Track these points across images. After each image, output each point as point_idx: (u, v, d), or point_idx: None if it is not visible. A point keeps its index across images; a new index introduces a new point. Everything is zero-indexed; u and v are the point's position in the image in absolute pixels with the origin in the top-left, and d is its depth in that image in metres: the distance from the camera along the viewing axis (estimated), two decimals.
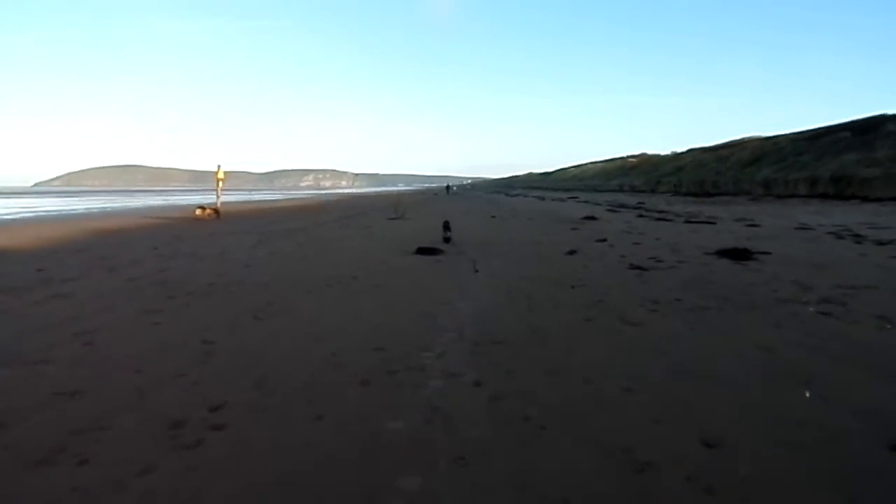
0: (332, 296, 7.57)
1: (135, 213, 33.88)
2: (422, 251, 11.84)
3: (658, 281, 8.24)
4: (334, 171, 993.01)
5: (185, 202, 45.87)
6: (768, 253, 10.62)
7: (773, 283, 7.84)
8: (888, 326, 5.51)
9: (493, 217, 24.75)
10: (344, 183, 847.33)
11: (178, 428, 3.49)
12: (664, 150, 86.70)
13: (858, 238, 12.97)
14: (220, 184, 29.55)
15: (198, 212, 27.69)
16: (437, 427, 3.44)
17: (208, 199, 38.84)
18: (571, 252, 11.51)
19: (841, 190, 32.73)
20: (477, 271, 9.37)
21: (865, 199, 29.02)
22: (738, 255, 10.42)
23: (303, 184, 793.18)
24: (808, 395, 3.80)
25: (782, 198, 35.39)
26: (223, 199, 31.07)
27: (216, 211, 27.85)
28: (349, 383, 4.20)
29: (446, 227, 14.68)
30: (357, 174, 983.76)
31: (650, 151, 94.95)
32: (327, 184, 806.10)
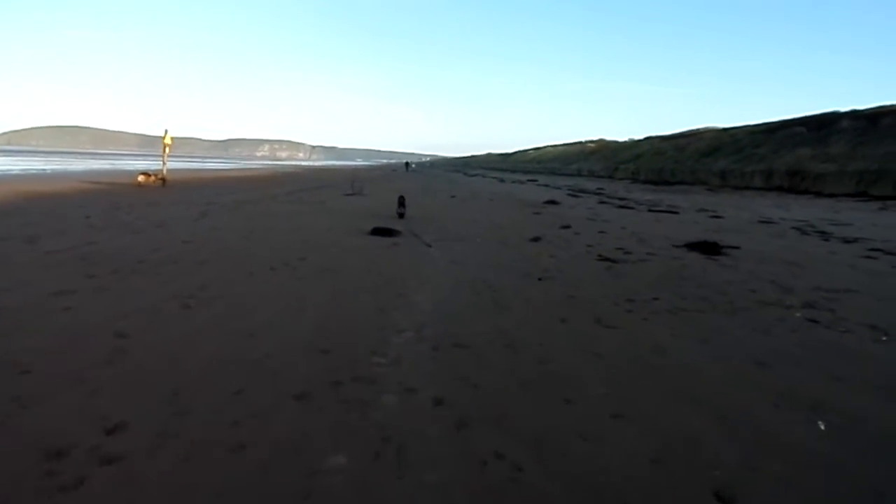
0: (276, 281, 6.77)
1: (73, 178, 31.91)
2: (378, 232, 11.09)
3: (630, 275, 7.71)
4: (291, 142, 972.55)
5: (130, 167, 43.68)
6: (737, 248, 10.24)
7: (751, 281, 7.40)
8: (884, 338, 5.07)
9: (452, 197, 24.06)
10: (301, 155, 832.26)
11: (58, 460, 2.72)
12: (622, 137, 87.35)
13: (824, 235, 12.77)
14: (167, 150, 28.05)
15: (141, 178, 26.19)
16: (388, 465, 2.76)
17: (156, 165, 37.00)
18: (536, 239, 10.94)
19: (795, 184, 33.14)
20: (429, 246, 8.71)
21: (819, 194, 29.40)
22: (708, 248, 10.02)
23: (258, 154, 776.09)
24: (822, 427, 3.26)
25: (739, 189, 35.70)
26: (170, 165, 29.59)
27: (162, 178, 26.41)
28: (283, 398, 3.48)
29: (401, 202, 15.08)
30: (314, 146, 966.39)
31: (608, 137, 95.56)
32: (283, 155, 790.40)
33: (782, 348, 4.76)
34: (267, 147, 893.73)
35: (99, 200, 17.52)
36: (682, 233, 12.49)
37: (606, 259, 8.83)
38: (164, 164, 27.75)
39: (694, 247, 10.23)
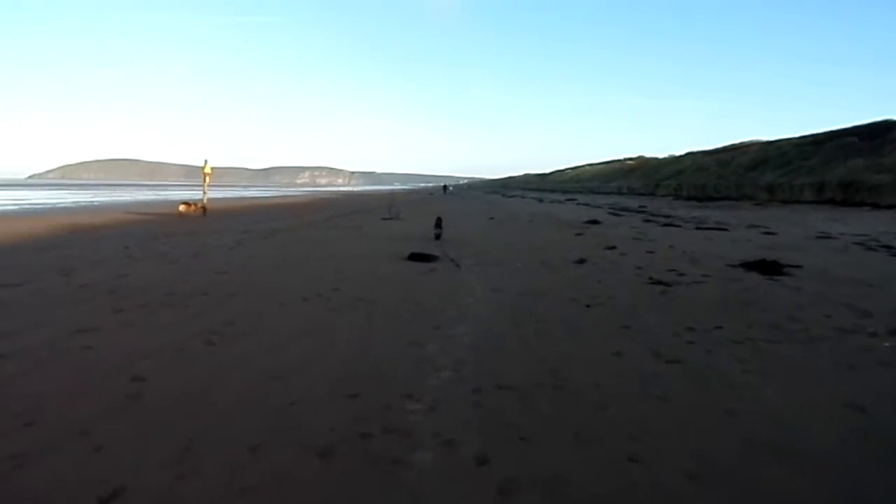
0: (307, 313, 6.41)
1: (119, 209, 32.64)
2: (414, 257, 10.70)
3: (686, 300, 7.12)
4: (331, 168, 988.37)
5: (174, 197, 44.43)
6: (799, 266, 9.51)
7: (822, 304, 6.73)
8: None
9: (491, 219, 23.60)
10: (340, 181, 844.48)
11: None
12: (661, 154, 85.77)
13: (892, 250, 11.88)
14: (207, 179, 28.35)
15: (182, 208, 26.52)
16: None
17: (198, 194, 37.64)
18: (580, 261, 10.39)
19: (849, 196, 31.68)
20: (459, 266, 8.26)
21: (876, 206, 27.98)
22: (767, 268, 9.32)
23: (299, 181, 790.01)
24: None
25: (788, 203, 34.35)
26: (210, 194, 29.91)
27: (203, 207, 26.69)
28: (305, 455, 3.06)
29: (438, 223, 15.04)
30: (353, 172, 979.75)
31: (647, 154, 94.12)
32: (323, 181, 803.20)
33: (874, 385, 4.15)
34: (307, 174, 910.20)
35: (139, 231, 17.64)
36: (735, 251, 11.77)
37: (658, 282, 8.24)
38: (204, 193, 28.05)
39: (751, 266, 9.54)
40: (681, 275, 8.93)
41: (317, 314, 6.33)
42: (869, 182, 31.22)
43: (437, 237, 14.39)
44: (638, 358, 4.76)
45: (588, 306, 6.72)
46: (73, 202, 42.22)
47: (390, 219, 22.71)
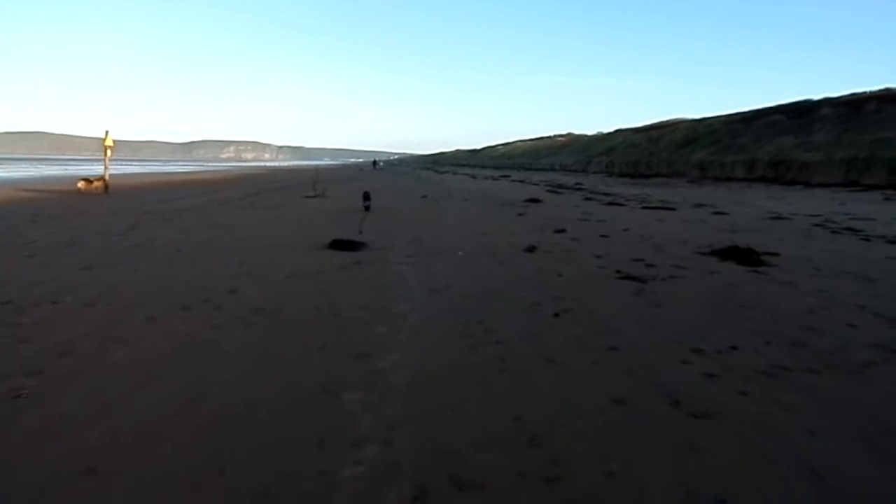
0: (180, 334, 4.66)
1: (13, 185, 29.22)
2: (338, 245, 9.00)
3: (670, 302, 5.76)
4: (257, 142, 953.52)
5: (83, 172, 40.48)
6: (776, 254, 8.40)
7: (834, 308, 5.51)
8: None
9: (424, 197, 21.94)
10: (267, 155, 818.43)
11: None
12: (590, 131, 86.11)
13: (857, 233, 11.02)
14: (109, 152, 25.43)
15: (81, 185, 23.73)
16: None
17: (112, 169, 34.20)
18: (531, 248, 8.94)
19: (780, 174, 31.79)
20: (388, 256, 6.63)
21: (807, 184, 28.03)
22: (743, 257, 8.16)
23: (223, 155, 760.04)
24: None
25: (721, 180, 34.28)
26: (124, 169, 27.10)
27: (105, 184, 23.93)
28: None
29: (366, 197, 15.68)
30: (281, 147, 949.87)
31: (577, 132, 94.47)
32: (249, 156, 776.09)
33: None
34: (232, 149, 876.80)
35: (21, 211, 15.16)
36: (695, 235, 10.65)
37: (629, 276, 6.89)
38: (105, 168, 25.16)
39: (724, 254, 8.36)
40: (650, 266, 7.63)
41: (193, 336, 4.59)
42: (799, 160, 31.34)
43: (367, 209, 15.02)
44: (650, 409, 3.29)
45: (556, 315, 5.24)
46: None
47: (315, 196, 20.75)
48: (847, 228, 11.75)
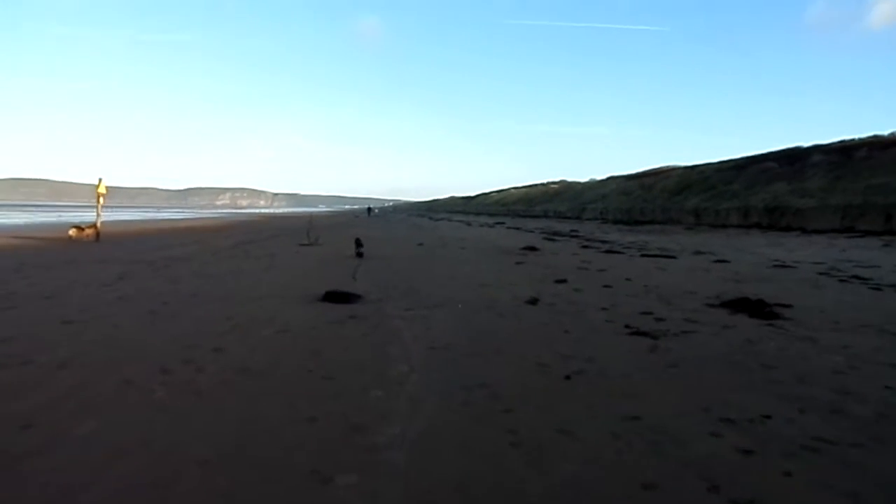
0: (155, 403, 4.21)
1: (5, 232, 28.86)
2: (331, 297, 8.61)
3: (687, 361, 5.38)
4: (252, 189, 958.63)
5: (78, 219, 40.07)
6: (788, 306, 8.07)
7: (864, 368, 5.14)
8: None
9: (419, 245, 21.65)
10: (262, 202, 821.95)
11: None
12: (583, 178, 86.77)
13: (867, 282, 10.74)
14: (101, 199, 25.17)
15: (72, 232, 23.40)
16: None
17: (107, 216, 33.88)
18: (533, 301, 8.58)
19: (775, 220, 31.76)
20: (384, 310, 6.22)
21: (804, 231, 27.95)
22: (755, 309, 7.82)
23: (219, 202, 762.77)
24: None
25: (716, 227, 34.23)
26: (118, 216, 26.82)
27: (96, 231, 23.60)
28: None
29: (358, 244, 16.22)
30: (276, 194, 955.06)
31: (569, 178, 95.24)
32: (244, 203, 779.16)
33: None
34: (228, 195, 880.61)
35: (6, 260, 14.75)
36: (701, 285, 10.33)
37: (639, 332, 6.52)
38: (97, 215, 24.86)
39: (735, 306, 8.03)
40: (659, 320, 7.27)
41: (170, 404, 4.15)
42: (794, 206, 31.37)
43: (360, 255, 15.46)
44: (687, 497, 2.88)
45: (567, 378, 4.85)
46: None
47: (309, 244, 20.43)
48: (854, 277, 11.47)
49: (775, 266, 13.66)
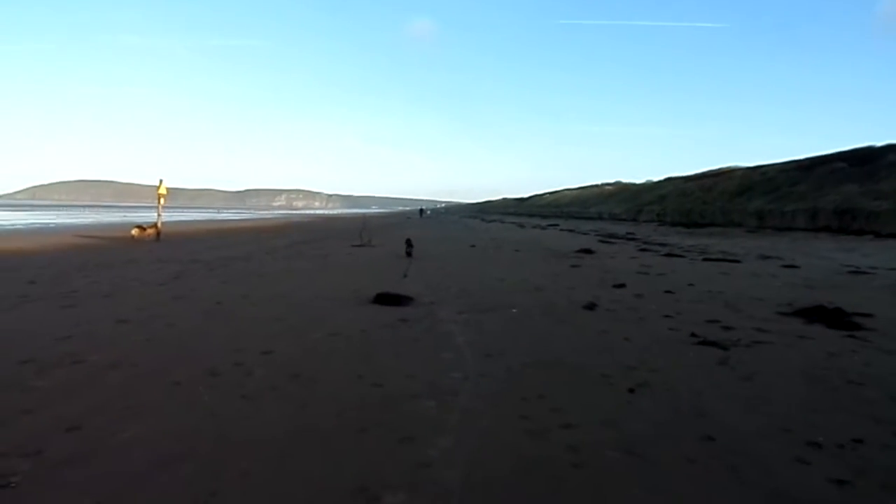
0: (203, 406, 4.11)
1: (72, 231, 30.13)
2: (383, 300, 8.46)
3: (762, 376, 4.96)
4: (308, 191, 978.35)
5: (142, 219, 41.57)
6: (869, 315, 7.49)
7: None
8: None
9: (472, 247, 21.42)
10: (317, 203, 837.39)
11: None
12: (639, 179, 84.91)
13: None
14: (162, 200, 25.91)
15: (135, 232, 24.22)
16: None
17: (170, 216, 35.01)
18: (591, 306, 8.23)
19: (846, 224, 30.13)
20: (436, 313, 5.98)
21: (878, 235, 26.42)
22: (831, 318, 7.28)
23: (275, 203, 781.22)
24: None
25: (781, 230, 32.72)
26: (179, 217, 27.62)
27: (157, 231, 24.33)
28: None
29: (409, 244, 16.68)
30: (330, 195, 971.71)
31: (625, 180, 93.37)
32: (300, 204, 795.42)
33: None
34: (283, 197, 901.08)
35: (72, 258, 15.29)
36: (769, 291, 9.75)
37: (706, 342, 6.11)
38: (158, 215, 25.59)
39: (810, 315, 7.50)
40: (727, 328, 6.82)
41: (217, 409, 4.04)
42: (867, 209, 29.71)
43: (409, 254, 16.03)
44: None
45: (631, 391, 4.52)
46: (27, 224, 39.54)
47: (362, 245, 20.48)
48: None
49: (850, 272, 12.84)
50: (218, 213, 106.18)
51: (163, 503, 2.78)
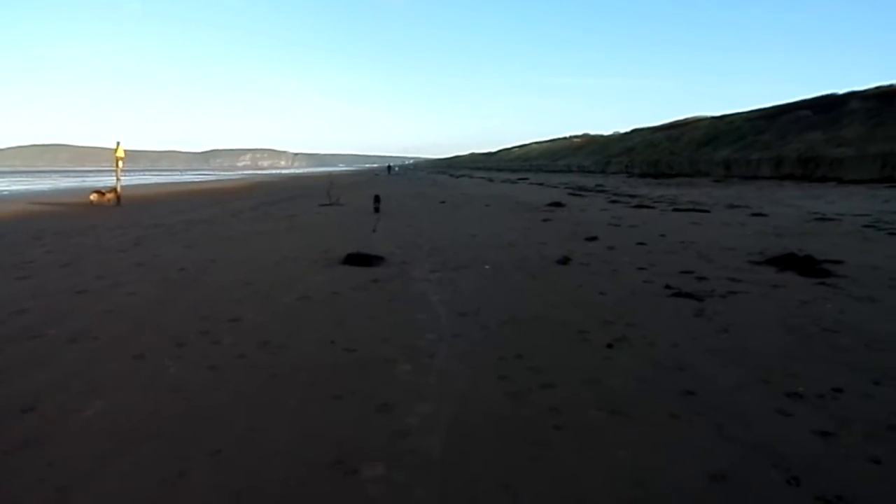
0: (168, 379, 3.93)
1: (28, 198, 29.03)
2: (353, 260, 8.27)
3: (737, 326, 4.94)
4: (273, 150, 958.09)
5: (101, 184, 40.05)
6: (839, 262, 7.56)
7: None
8: None
9: (442, 202, 21.21)
10: (283, 163, 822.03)
11: None
12: (607, 131, 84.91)
13: None
14: (120, 163, 25.04)
15: (93, 197, 23.44)
16: None
17: (129, 179, 33.89)
18: (564, 260, 8.16)
19: (810, 171, 30.60)
20: (409, 271, 5.85)
21: (840, 181, 26.87)
22: (804, 266, 7.32)
23: (239, 164, 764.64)
24: None
25: (747, 179, 33.15)
26: (140, 180, 26.77)
27: (116, 195, 23.54)
28: None
29: (377, 199, 16.92)
30: (296, 154, 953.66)
31: (592, 132, 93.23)
32: (265, 163, 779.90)
33: None
34: (248, 156, 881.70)
35: (27, 227, 14.68)
36: (740, 241, 9.81)
37: (681, 293, 6.08)
38: (117, 179, 24.75)
39: (782, 263, 7.54)
40: (701, 279, 6.82)
41: (183, 382, 3.85)
42: (830, 156, 30.17)
43: (377, 210, 16.33)
44: (763, 492, 2.50)
45: (609, 346, 4.46)
46: None
47: (329, 204, 20.11)
48: None
49: (816, 219, 13.01)
50: (181, 175, 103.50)
51: (128, 486, 2.62)
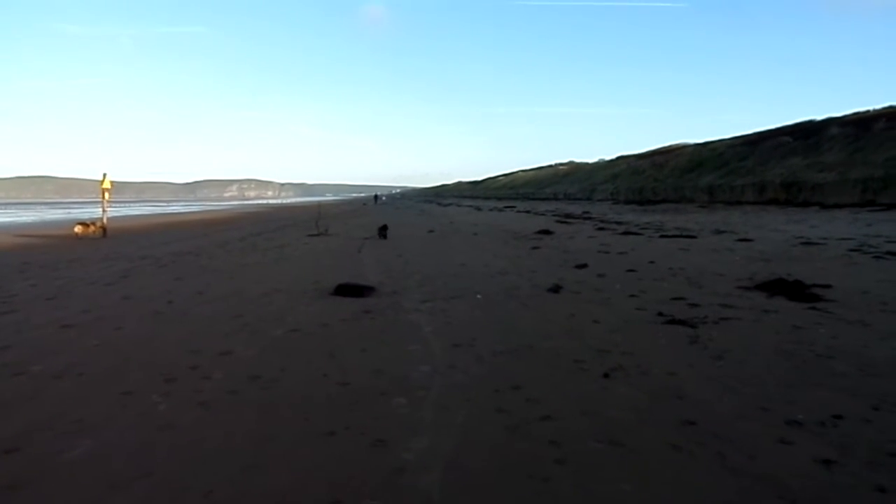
0: (157, 417, 3.82)
1: (13, 230, 28.67)
2: (344, 291, 8.21)
3: (736, 354, 4.92)
4: (260, 180, 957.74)
5: (87, 215, 39.62)
6: (827, 286, 7.61)
7: None
8: None
9: (430, 231, 21.22)
10: (270, 193, 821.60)
11: None
12: (592, 158, 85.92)
13: None
14: (107, 195, 24.80)
15: (78, 229, 23.12)
16: None
17: (115, 211, 33.66)
18: (556, 289, 8.15)
19: (793, 196, 31.02)
20: (401, 302, 5.79)
21: (823, 206, 27.24)
22: (793, 291, 7.36)
23: (226, 194, 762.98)
24: None
25: (731, 204, 33.53)
26: (127, 211, 26.55)
27: (102, 227, 23.28)
28: None
29: (384, 228, 17.93)
30: (283, 184, 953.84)
31: (577, 160, 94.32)
32: (252, 194, 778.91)
33: None
34: (235, 187, 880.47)
35: (11, 260, 14.43)
36: (729, 266, 9.87)
37: (675, 320, 6.08)
38: (103, 211, 24.52)
39: (771, 289, 7.59)
40: (693, 305, 6.83)
41: (173, 420, 3.76)
42: (812, 181, 30.63)
43: (383, 237, 17.43)
44: None
45: (606, 376, 4.42)
46: None
47: (318, 234, 20.04)
48: (889, 253, 10.95)
49: (802, 243, 13.15)
50: (167, 206, 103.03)
51: None
